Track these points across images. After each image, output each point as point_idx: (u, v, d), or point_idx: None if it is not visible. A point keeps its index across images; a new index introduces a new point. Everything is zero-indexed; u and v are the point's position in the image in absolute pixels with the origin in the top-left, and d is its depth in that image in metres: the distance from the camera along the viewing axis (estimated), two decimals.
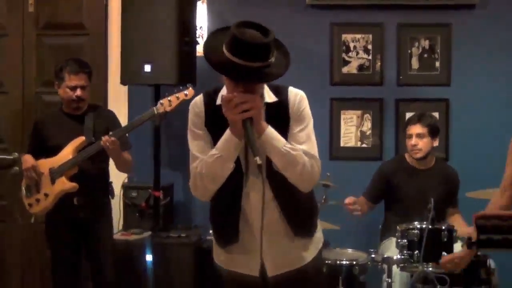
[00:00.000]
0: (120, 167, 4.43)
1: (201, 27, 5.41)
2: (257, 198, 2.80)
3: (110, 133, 4.08)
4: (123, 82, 5.04)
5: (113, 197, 4.61)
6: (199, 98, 2.92)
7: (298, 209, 2.99)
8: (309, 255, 3.05)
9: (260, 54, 2.61)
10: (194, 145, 2.89)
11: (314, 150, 2.89)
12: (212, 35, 2.82)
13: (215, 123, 2.81)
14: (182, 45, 4.90)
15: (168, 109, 4.09)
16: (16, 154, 5.21)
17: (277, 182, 2.84)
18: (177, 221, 5.37)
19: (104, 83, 5.46)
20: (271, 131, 2.74)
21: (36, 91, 5.50)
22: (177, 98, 4.07)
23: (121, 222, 5.16)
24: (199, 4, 5.35)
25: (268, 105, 2.83)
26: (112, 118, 4.55)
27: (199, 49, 5.21)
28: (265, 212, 2.72)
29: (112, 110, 4.95)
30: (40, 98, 5.49)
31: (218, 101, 2.82)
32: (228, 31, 2.67)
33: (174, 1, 4.87)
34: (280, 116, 2.86)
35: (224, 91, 2.78)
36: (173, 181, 5.41)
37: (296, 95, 2.92)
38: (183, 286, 4.91)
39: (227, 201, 2.93)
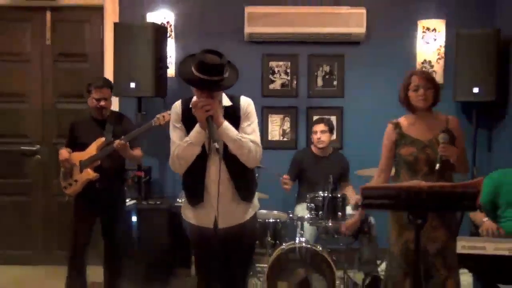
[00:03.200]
0: (130, 161, 4.48)
1: (170, 56, 5.46)
2: (215, 172, 2.98)
3: (122, 137, 4.08)
4: (115, 94, 4.89)
5: (127, 184, 4.64)
6: (178, 103, 3.14)
7: (243, 181, 3.15)
8: (248, 215, 3.21)
9: (217, 71, 2.85)
10: (174, 134, 3.09)
11: (258, 140, 3.08)
12: (183, 61, 3.03)
13: (188, 119, 3.02)
14: (157, 69, 5.04)
15: (162, 122, 4.08)
16: (38, 146, 5.37)
17: (230, 161, 3.02)
18: (153, 193, 5.41)
19: None
20: (227, 124, 2.94)
21: (52, 102, 5.61)
22: (168, 114, 3.71)
23: None
24: (169, 39, 5.43)
25: (226, 107, 3.04)
26: (128, 123, 4.48)
27: (169, 72, 5.43)
28: (220, 182, 2.94)
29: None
30: (54, 106, 5.60)
31: (191, 105, 3.01)
32: (194, 56, 2.93)
33: (151, 37, 5.02)
34: (234, 115, 3.05)
35: (194, 99, 2.99)
36: (151, 165, 5.48)
37: (246, 101, 3.13)
38: (158, 238, 5.01)
39: (195, 174, 3.08)
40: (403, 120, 3.50)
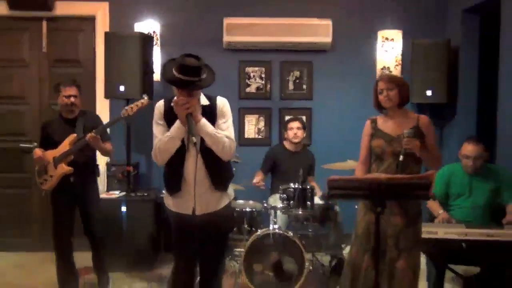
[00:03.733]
0: (102, 154, 4.31)
1: (156, 62, 5.36)
2: (192, 164, 3.03)
3: (93, 131, 3.95)
4: (106, 97, 5.16)
5: (99, 175, 4.46)
6: (161, 102, 3.14)
7: (218, 172, 3.15)
8: (223, 203, 3.21)
9: (195, 72, 2.91)
10: (156, 130, 3.10)
11: (232, 136, 3.09)
12: (165, 64, 3.03)
13: (169, 117, 3.04)
14: (144, 74, 5.00)
15: (130, 113, 3.98)
16: (36, 143, 4.96)
17: (206, 154, 3.04)
18: (141, 186, 5.40)
19: (94, 97, 5.51)
20: (204, 121, 2.96)
21: (48, 103, 5.54)
22: (136, 105, 3.96)
23: (105, 186, 5.24)
24: (155, 47, 5.38)
25: (204, 106, 3.06)
26: (96, 119, 4.36)
27: (155, 76, 5.34)
28: (197, 172, 3.01)
29: (99, 115, 4.80)
30: (50, 107, 5.48)
31: (172, 103, 3.04)
32: (175, 60, 2.96)
33: (139, 45, 4.98)
34: (211, 113, 3.06)
35: (175, 98, 2.99)
36: (139, 160, 5.52)
37: (221, 101, 3.16)
38: (145, 226, 4.99)
39: (174, 166, 3.08)
40: (379, 118, 3.51)
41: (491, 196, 4.14)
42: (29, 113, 5.63)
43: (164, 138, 3.02)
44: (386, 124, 3.45)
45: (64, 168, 4.03)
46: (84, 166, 4.16)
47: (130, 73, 4.99)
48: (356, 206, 3.72)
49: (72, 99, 4.12)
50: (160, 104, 3.16)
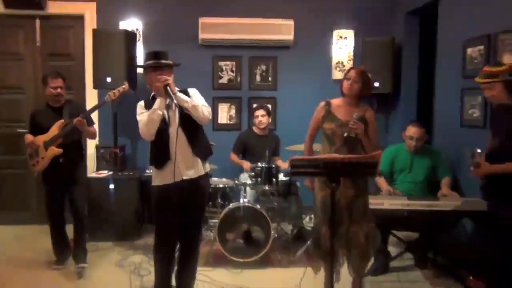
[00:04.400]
0: (88, 136, 4.30)
1: (139, 56, 5.32)
2: (176, 135, 3.08)
3: (80, 115, 3.90)
4: (94, 87, 5.10)
5: (84, 157, 4.46)
6: (141, 101, 3.25)
7: (197, 141, 3.20)
8: (201, 173, 3.23)
9: (160, 56, 3.14)
10: (140, 116, 3.15)
11: (206, 103, 3.20)
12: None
13: (149, 107, 3.11)
14: (128, 66, 4.94)
15: (113, 97, 3.97)
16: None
17: (186, 126, 3.11)
18: (127, 166, 5.36)
19: (83, 88, 5.42)
20: (181, 94, 3.08)
21: (42, 92, 4.81)
22: (118, 90, 3.96)
23: (95, 167, 5.21)
24: (138, 43, 5.35)
25: (179, 90, 3.12)
26: (80, 106, 4.35)
27: (139, 69, 5.11)
28: (179, 142, 3.09)
29: (84, 103, 4.90)
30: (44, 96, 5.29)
31: (152, 95, 3.20)
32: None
33: (123, 41, 4.94)
34: (185, 94, 3.15)
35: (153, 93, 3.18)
36: (125, 143, 5.45)
37: (192, 89, 3.27)
38: (131, 201, 4.94)
39: (161, 140, 3.12)
40: (334, 101, 3.45)
41: (429, 172, 4.24)
42: (25, 102, 5.51)
43: (147, 112, 3.09)
44: (339, 110, 3.41)
45: (54, 150, 3.97)
46: (71, 148, 4.09)
47: (116, 66, 4.93)
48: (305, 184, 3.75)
49: (58, 90, 4.05)
50: (141, 103, 3.25)
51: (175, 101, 3.00)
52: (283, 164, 4.89)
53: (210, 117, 3.20)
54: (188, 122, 3.12)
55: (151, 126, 3.08)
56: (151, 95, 3.21)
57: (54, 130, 3.99)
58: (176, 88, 3.12)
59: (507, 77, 2.84)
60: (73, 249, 4.19)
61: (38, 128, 4.07)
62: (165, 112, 3.12)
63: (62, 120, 4.00)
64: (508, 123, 2.87)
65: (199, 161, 3.23)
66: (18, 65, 5.49)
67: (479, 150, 2.97)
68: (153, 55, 3.15)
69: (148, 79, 3.15)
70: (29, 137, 4.06)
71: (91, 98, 5.40)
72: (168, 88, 3.01)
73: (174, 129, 3.11)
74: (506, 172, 2.83)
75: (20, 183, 5.53)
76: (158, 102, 3.07)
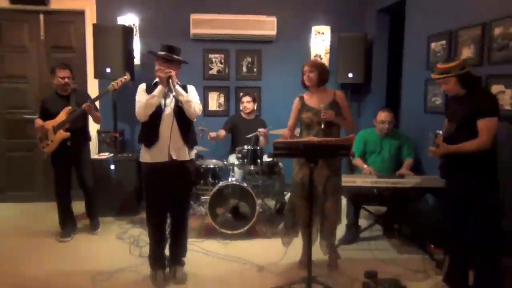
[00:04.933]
0: (94, 121, 4.26)
1: (136, 49, 5.31)
2: (168, 122, 3.11)
3: (88, 101, 4.00)
4: (95, 77, 5.03)
5: (90, 140, 4.45)
6: (143, 84, 3.22)
7: (187, 132, 3.20)
8: (187, 158, 3.23)
9: (173, 51, 3.14)
10: (140, 97, 3.11)
11: (199, 102, 3.22)
12: (150, 51, 3.26)
13: (150, 91, 3.11)
14: (126, 58, 4.91)
15: (116, 87, 4.03)
16: (37, 115, 5.13)
17: (179, 116, 3.13)
18: (126, 149, 5.32)
19: (85, 78, 5.31)
20: (179, 88, 3.11)
21: (47, 82, 5.07)
22: (120, 80, 4.04)
23: (97, 149, 5.14)
24: (135, 37, 5.29)
25: (179, 85, 3.14)
26: (86, 94, 4.39)
27: (136, 61, 5.29)
28: (172, 129, 3.11)
29: (88, 92, 4.88)
30: (49, 85, 4.94)
31: (154, 81, 3.16)
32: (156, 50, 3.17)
33: (121, 35, 4.88)
34: (184, 90, 3.15)
35: (154, 80, 3.16)
36: (124, 128, 5.40)
37: (190, 86, 3.26)
38: (130, 180, 4.90)
39: (153, 123, 3.11)
40: (305, 95, 3.51)
41: (396, 153, 4.28)
42: (30, 90, 5.41)
43: (147, 96, 3.08)
44: (311, 100, 3.45)
45: (62, 134, 4.01)
46: (78, 133, 4.14)
47: (114, 58, 4.88)
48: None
49: (66, 79, 4.10)
50: (142, 85, 3.22)
51: (173, 93, 3.02)
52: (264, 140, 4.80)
53: (200, 114, 3.22)
54: (182, 112, 3.13)
55: (148, 109, 3.08)
56: (154, 80, 3.19)
57: (62, 116, 4.03)
58: (177, 82, 3.15)
59: (458, 71, 2.88)
60: (89, 220, 4.41)
61: (47, 114, 4.09)
62: (162, 100, 3.13)
63: (70, 107, 4.04)
64: (461, 112, 2.92)
65: (186, 148, 3.23)
66: (23, 57, 5.37)
67: (440, 132, 3.01)
68: (167, 48, 3.15)
69: (156, 66, 3.16)
70: (39, 122, 4.06)
71: (92, 87, 5.33)
72: (170, 80, 3.03)
73: (167, 116, 3.13)
74: (460, 152, 2.88)
75: (27, 164, 5.46)
76: (158, 89, 3.09)
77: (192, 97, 3.17)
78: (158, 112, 3.12)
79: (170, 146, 3.13)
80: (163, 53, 3.13)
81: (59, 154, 4.09)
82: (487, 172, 2.86)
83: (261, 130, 4.68)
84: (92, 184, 4.38)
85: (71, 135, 4.04)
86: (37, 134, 4.10)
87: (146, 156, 3.22)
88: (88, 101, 4.04)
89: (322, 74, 3.43)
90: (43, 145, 4.09)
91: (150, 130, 3.16)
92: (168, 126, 3.13)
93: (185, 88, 3.21)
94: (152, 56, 3.23)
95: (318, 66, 3.43)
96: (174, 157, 3.15)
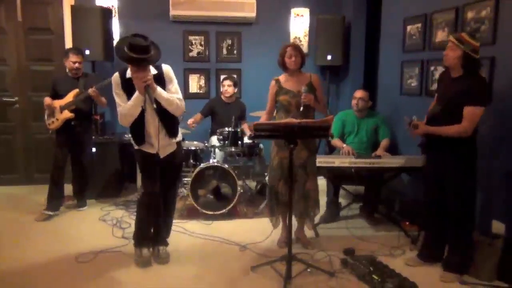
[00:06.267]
0: (100, 105, 4.36)
1: (115, 31, 5.18)
2: (152, 121, 3.03)
3: (94, 86, 4.09)
4: None
5: (94, 122, 4.58)
6: (117, 74, 2.99)
7: (170, 125, 3.12)
8: (175, 146, 3.20)
9: (144, 51, 2.79)
10: (118, 99, 2.99)
11: (181, 96, 3.08)
12: (117, 45, 2.87)
13: (126, 86, 2.95)
14: (105, 40, 4.83)
15: None
16: (16, 97, 5.08)
17: (162, 115, 3.02)
18: (107, 131, 5.24)
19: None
20: (160, 89, 2.93)
21: (26, 64, 5.18)
22: None
23: None
24: (114, 18, 5.18)
25: (154, 75, 2.94)
26: (95, 79, 4.32)
27: (115, 43, 4.92)
28: (153, 126, 3.03)
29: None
30: (28, 68, 5.18)
31: (128, 75, 2.93)
32: (125, 39, 2.85)
33: (100, 16, 4.79)
34: (160, 80, 2.99)
35: (129, 70, 2.92)
36: (105, 110, 5.30)
37: (166, 68, 3.06)
38: (112, 163, 4.86)
39: (138, 125, 3.03)
40: (281, 77, 3.50)
41: (372, 133, 4.31)
42: (9, 73, 5.24)
43: (127, 106, 2.94)
44: (287, 83, 3.44)
45: (67, 114, 4.17)
46: (82, 114, 4.27)
47: (93, 40, 4.79)
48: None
49: (77, 64, 4.22)
50: (115, 77, 3.02)
51: (153, 105, 2.85)
52: (249, 129, 4.82)
53: (184, 110, 3.12)
54: (163, 109, 3.02)
55: (130, 119, 3.00)
56: (128, 74, 2.96)
57: (69, 96, 4.18)
58: (152, 72, 2.96)
59: (468, 49, 2.79)
60: (77, 199, 4.51)
61: (57, 93, 4.24)
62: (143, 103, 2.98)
63: (77, 90, 4.19)
64: (450, 94, 2.90)
65: (174, 139, 3.20)
66: (1, 39, 5.19)
67: (414, 117, 3.04)
68: (137, 49, 2.78)
69: (130, 67, 2.92)
70: (48, 100, 4.19)
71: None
72: (148, 88, 2.86)
73: (150, 116, 3.02)
74: (439, 134, 2.92)
75: (7, 148, 5.34)
76: (136, 97, 2.91)
77: (172, 90, 3.05)
78: (140, 113, 3.00)
79: (158, 144, 3.09)
80: (132, 56, 2.78)
81: (62, 132, 4.24)
82: (467, 149, 2.89)
83: (246, 129, 4.72)
84: (88, 164, 4.50)
85: (76, 116, 4.18)
86: (45, 111, 4.23)
87: (137, 146, 3.19)
88: (94, 86, 4.11)
89: (302, 58, 3.45)
90: (49, 122, 4.24)
91: (136, 132, 3.10)
92: (152, 125, 3.06)
93: (161, 77, 3.03)
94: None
95: (300, 50, 3.43)
96: (163, 156, 3.14)
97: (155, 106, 2.83)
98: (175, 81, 3.12)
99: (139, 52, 2.78)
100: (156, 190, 3.19)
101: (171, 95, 3.01)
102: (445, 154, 2.94)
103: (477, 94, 2.80)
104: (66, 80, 4.26)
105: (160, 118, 3.04)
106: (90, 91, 4.09)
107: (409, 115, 3.13)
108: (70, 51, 4.26)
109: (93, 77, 4.44)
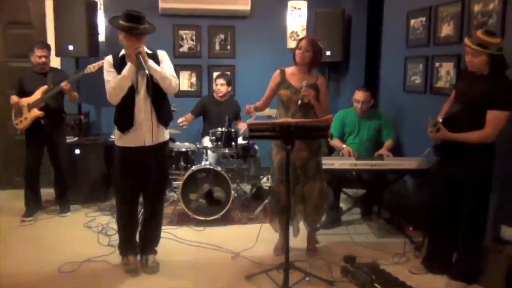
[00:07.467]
0: (72, 101, 4.37)
1: (100, 25, 5.12)
2: (142, 102, 3.01)
3: (66, 80, 4.09)
4: (57, 55, 4.83)
5: (66, 120, 4.50)
6: (110, 56, 3.06)
7: (162, 110, 3.11)
8: (163, 139, 3.18)
9: (139, 21, 2.89)
10: (108, 75, 3.01)
11: (174, 74, 3.08)
12: (112, 19, 2.97)
13: (117, 66, 2.99)
14: (90, 35, 4.79)
15: (93, 70, 4.07)
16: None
17: (153, 96, 3.00)
18: (92, 132, 5.28)
19: None
20: (152, 62, 2.95)
21: (4, 61, 5.17)
22: (98, 64, 4.02)
23: None
24: (99, 12, 5.12)
25: (148, 54, 2.95)
26: (63, 74, 4.37)
27: (100, 38, 5.13)
28: (144, 110, 3.00)
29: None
30: (6, 64, 5.17)
31: (121, 53, 3.01)
32: (119, 15, 2.91)
33: (84, 9, 4.73)
34: (155, 60, 3.01)
35: (122, 52, 2.99)
36: (89, 110, 5.34)
37: (161, 51, 3.12)
38: (97, 165, 4.82)
39: (127, 107, 3.02)
40: (288, 69, 3.43)
41: (375, 134, 4.32)
42: None
43: (117, 77, 2.96)
44: (292, 77, 3.39)
45: (36, 112, 4.13)
46: (53, 112, 4.24)
47: (77, 35, 4.75)
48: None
49: (43, 59, 4.21)
50: (108, 57, 3.08)
51: (146, 70, 2.89)
52: (244, 126, 4.78)
53: (178, 88, 3.11)
54: (156, 90, 3.00)
55: (119, 92, 2.98)
56: (121, 53, 3.03)
57: (37, 94, 4.15)
58: (146, 51, 2.98)
59: (495, 51, 2.69)
60: (59, 205, 4.48)
61: (23, 91, 4.20)
62: (134, 78, 2.99)
63: (46, 86, 4.16)
64: (473, 94, 2.81)
65: (163, 128, 3.17)
66: None
67: (440, 119, 2.95)
68: (131, 18, 2.88)
69: (122, 39, 2.96)
70: (14, 98, 4.16)
71: (54, 65, 5.11)
72: (140, 56, 2.89)
73: (141, 96, 3.02)
74: (460, 140, 2.85)
75: None
76: (128, 68, 2.95)
77: (166, 67, 3.06)
78: (131, 94, 3.00)
79: (144, 131, 3.05)
80: (127, 24, 2.88)
81: (32, 132, 4.21)
82: (485, 152, 2.84)
83: (241, 126, 4.71)
84: (66, 166, 4.48)
85: (46, 114, 4.15)
86: (13, 110, 4.20)
87: (119, 140, 3.14)
88: (66, 80, 4.11)
89: (315, 57, 3.36)
90: (17, 122, 4.20)
91: (124, 115, 3.06)
92: (143, 109, 3.02)
93: (155, 58, 3.06)
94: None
95: (314, 46, 3.34)
96: (149, 144, 3.08)
97: (146, 71, 2.87)
98: (169, 62, 3.15)
99: (134, 21, 2.88)
100: (134, 193, 3.19)
101: (166, 71, 3.03)
102: (461, 158, 2.89)
103: (503, 98, 2.71)
104: (32, 77, 4.23)
105: (152, 100, 3.02)
106: (63, 84, 4.08)
107: (432, 115, 3.01)
108: (35, 45, 4.21)
109: (61, 72, 4.43)
